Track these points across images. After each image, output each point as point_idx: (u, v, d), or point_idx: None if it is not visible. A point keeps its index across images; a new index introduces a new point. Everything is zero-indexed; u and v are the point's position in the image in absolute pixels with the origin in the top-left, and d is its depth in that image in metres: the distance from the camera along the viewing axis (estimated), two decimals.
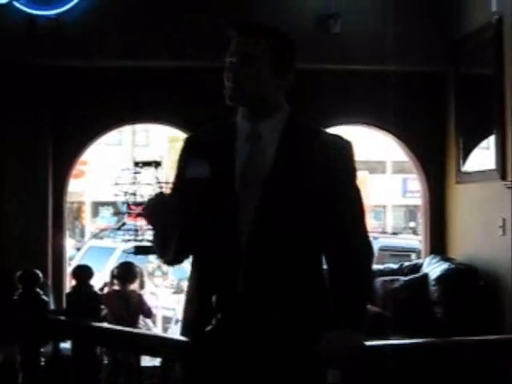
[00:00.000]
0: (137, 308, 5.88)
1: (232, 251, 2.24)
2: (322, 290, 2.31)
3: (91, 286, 2.94)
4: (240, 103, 2.36)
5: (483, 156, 5.98)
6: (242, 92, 2.32)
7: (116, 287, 5.90)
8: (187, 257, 2.42)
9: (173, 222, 2.26)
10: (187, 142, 2.50)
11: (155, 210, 2.29)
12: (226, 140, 2.36)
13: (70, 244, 7.54)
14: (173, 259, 2.42)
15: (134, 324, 5.72)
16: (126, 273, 5.98)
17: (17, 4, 5.75)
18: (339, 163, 2.32)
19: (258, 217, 2.24)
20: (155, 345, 2.38)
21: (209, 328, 2.04)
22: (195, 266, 2.39)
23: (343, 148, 2.36)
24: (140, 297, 6.00)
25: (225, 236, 2.27)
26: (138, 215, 6.48)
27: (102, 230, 15.15)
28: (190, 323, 2.35)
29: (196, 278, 2.37)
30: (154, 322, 9.25)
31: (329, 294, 2.29)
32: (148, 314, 6.11)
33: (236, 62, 2.31)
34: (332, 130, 7.70)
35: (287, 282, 2.23)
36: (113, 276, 6.04)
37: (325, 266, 2.35)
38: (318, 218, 2.27)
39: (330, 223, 2.28)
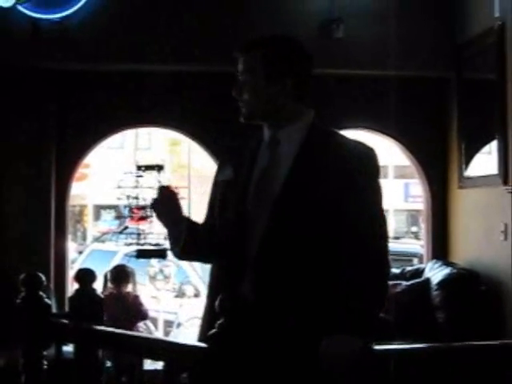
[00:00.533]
0: (134, 309, 5.89)
1: (243, 257, 2.26)
2: (334, 296, 2.29)
3: (94, 290, 2.94)
4: (251, 119, 2.42)
5: (485, 161, 5.99)
6: (248, 108, 2.39)
7: (111, 290, 5.93)
8: (196, 257, 2.48)
9: (176, 215, 2.36)
10: (226, 150, 2.63)
11: (159, 202, 2.37)
12: (251, 146, 2.44)
13: (71, 247, 7.54)
14: (181, 254, 2.47)
15: (132, 325, 5.73)
16: (119, 275, 6.01)
17: (21, 8, 5.76)
18: (358, 167, 2.31)
19: (270, 222, 2.26)
20: (158, 348, 2.39)
21: (211, 332, 2.05)
22: (211, 271, 2.44)
23: (364, 153, 2.36)
24: (136, 298, 6.01)
25: (236, 242, 2.29)
26: (141, 218, 6.49)
27: (104, 234, 15.15)
28: (203, 329, 2.37)
29: (210, 283, 2.42)
30: (155, 326, 9.26)
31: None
32: (144, 315, 6.10)
33: (240, 82, 2.39)
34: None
35: (299, 287, 2.24)
36: (106, 279, 6.06)
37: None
38: (333, 222, 2.27)
39: (345, 227, 2.27)
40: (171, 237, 2.44)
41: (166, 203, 2.37)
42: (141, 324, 6.18)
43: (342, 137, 2.44)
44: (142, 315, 6.04)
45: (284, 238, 2.26)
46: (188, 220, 2.42)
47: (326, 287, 2.27)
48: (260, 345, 2.07)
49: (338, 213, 2.26)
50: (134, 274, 6.22)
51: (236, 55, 2.42)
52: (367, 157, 2.36)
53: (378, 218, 2.33)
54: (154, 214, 2.47)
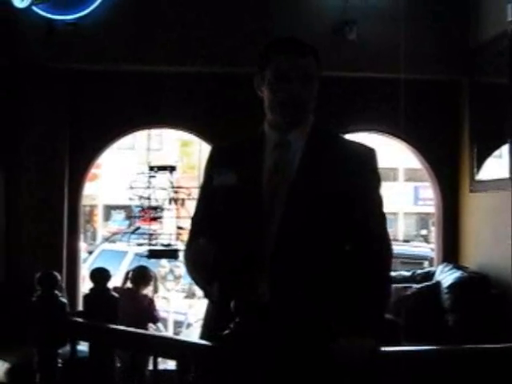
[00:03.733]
0: (147, 312, 5.91)
1: (258, 257, 2.26)
2: (341, 296, 2.31)
3: (109, 289, 2.96)
4: (296, 123, 2.37)
5: (497, 165, 5.98)
6: (304, 114, 2.37)
7: (129, 289, 5.95)
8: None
9: (211, 260, 2.26)
10: (214, 152, 2.53)
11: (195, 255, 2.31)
12: (254, 149, 2.40)
13: (82, 247, 7.58)
14: (218, 291, 2.37)
15: (142, 327, 5.75)
16: (139, 276, 6.02)
17: (36, 8, 5.81)
18: (361, 168, 2.35)
19: (283, 222, 2.27)
20: (173, 348, 2.40)
21: (226, 332, 2.06)
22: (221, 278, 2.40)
23: (365, 154, 2.40)
24: (151, 301, 6.03)
25: (251, 242, 2.28)
26: (152, 219, 6.52)
27: (114, 234, 15.19)
28: (210, 327, 2.38)
29: (220, 283, 2.38)
30: (165, 327, 9.28)
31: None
32: (154, 319, 6.12)
33: (296, 83, 2.32)
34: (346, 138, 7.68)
35: (316, 285, 2.25)
36: (127, 278, 6.09)
37: None
38: (342, 222, 2.29)
39: (353, 226, 2.31)
40: (206, 281, 2.36)
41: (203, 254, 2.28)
42: (150, 324, 6.21)
43: (344, 137, 2.49)
44: (153, 319, 6.07)
45: (300, 234, 2.27)
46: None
47: (340, 284, 2.28)
48: (277, 345, 2.09)
49: (347, 209, 2.29)
50: (156, 279, 6.24)
51: (278, 51, 2.36)
52: (371, 156, 2.41)
53: (383, 217, 2.39)
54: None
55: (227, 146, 2.55)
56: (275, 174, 2.33)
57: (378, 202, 2.40)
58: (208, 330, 2.40)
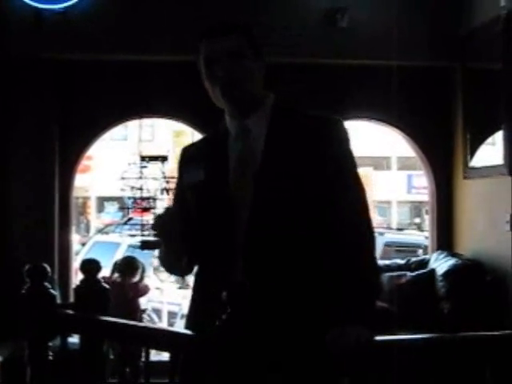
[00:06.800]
0: (131, 302, 5.92)
1: (230, 249, 2.22)
2: (324, 280, 2.25)
3: (99, 281, 2.93)
4: (240, 103, 2.30)
5: (491, 151, 5.97)
6: (245, 92, 2.28)
7: (116, 279, 5.96)
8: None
9: (179, 231, 2.25)
10: (183, 152, 2.50)
11: (163, 222, 2.26)
12: (218, 141, 2.36)
13: (75, 239, 7.55)
14: (187, 269, 2.41)
15: (130, 317, 5.74)
16: (126, 266, 6.04)
17: None
18: (327, 142, 2.27)
19: (253, 212, 2.21)
20: (164, 339, 2.38)
21: (219, 322, 2.04)
22: (198, 267, 2.38)
23: (329, 126, 2.31)
24: (137, 291, 6.02)
25: (222, 234, 2.25)
26: (145, 210, 6.49)
27: (107, 225, 15.16)
28: (192, 320, 2.35)
29: (198, 277, 2.36)
30: (159, 317, 9.27)
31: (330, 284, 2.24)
32: (143, 291, 6.13)
33: (224, 62, 2.26)
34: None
35: (289, 274, 2.20)
36: (114, 268, 6.10)
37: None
38: (315, 203, 2.23)
39: (329, 208, 2.24)
40: (170, 260, 2.36)
41: (169, 221, 2.25)
42: (145, 316, 6.19)
43: (307, 113, 2.37)
44: (142, 293, 6.10)
45: (272, 223, 2.21)
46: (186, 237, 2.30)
47: (315, 273, 2.23)
48: (261, 335, 2.06)
49: (319, 183, 2.23)
50: (143, 269, 6.22)
51: (206, 36, 2.32)
52: (336, 124, 2.31)
53: (360, 189, 2.29)
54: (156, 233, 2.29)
55: (195, 143, 2.55)
56: (240, 165, 2.28)
57: (351, 173, 2.29)
58: (191, 321, 2.37)
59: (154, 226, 2.28)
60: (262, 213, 2.22)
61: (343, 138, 2.31)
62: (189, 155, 2.46)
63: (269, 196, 2.22)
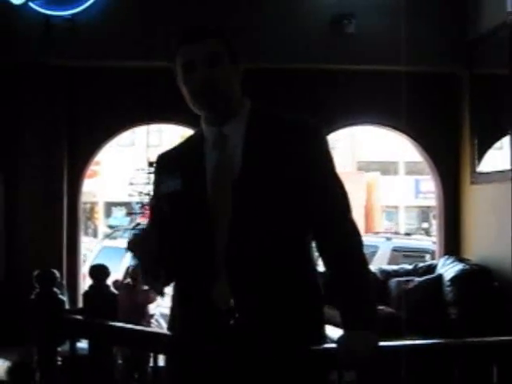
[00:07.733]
0: (140, 307, 5.94)
1: (210, 260, 2.17)
2: (311, 287, 2.24)
3: (108, 286, 2.94)
4: (217, 109, 2.25)
5: (498, 156, 5.96)
6: (222, 97, 2.23)
7: (128, 283, 5.98)
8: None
9: (155, 247, 2.17)
10: (159, 159, 2.43)
11: (138, 240, 2.20)
12: (194, 149, 2.30)
13: (83, 244, 7.57)
14: (164, 284, 2.33)
15: (134, 321, 5.75)
16: (137, 272, 6.05)
17: (32, 5, 5.78)
18: (309, 146, 2.23)
19: (234, 221, 2.17)
20: (172, 344, 2.38)
21: (228, 329, 2.05)
22: (177, 281, 2.32)
23: (308, 130, 2.26)
24: (147, 297, 6.03)
25: (202, 245, 2.20)
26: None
27: (115, 231, 15.18)
28: (176, 335, 2.33)
29: (178, 292, 2.31)
30: (166, 322, 9.25)
31: (319, 290, 2.23)
32: (153, 299, 6.13)
33: (201, 69, 2.22)
34: (345, 130, 7.65)
35: (274, 282, 2.16)
36: (127, 272, 6.12)
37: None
38: (297, 208, 2.20)
39: (312, 212, 2.21)
40: (149, 275, 2.27)
41: (147, 241, 2.18)
42: (153, 321, 6.20)
43: (285, 116, 2.31)
44: (143, 315, 6.09)
45: (253, 225, 2.17)
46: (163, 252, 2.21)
47: (301, 280, 2.21)
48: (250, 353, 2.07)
49: (299, 187, 2.19)
50: None
51: (182, 41, 2.27)
52: (314, 130, 2.27)
53: (342, 193, 2.26)
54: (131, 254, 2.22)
55: (170, 150, 2.44)
56: (218, 174, 2.23)
57: (331, 180, 2.25)
58: (173, 330, 2.35)
59: (129, 245, 2.21)
60: (243, 221, 2.17)
61: (321, 140, 2.28)
62: (164, 164, 2.38)
63: (249, 204, 2.17)
